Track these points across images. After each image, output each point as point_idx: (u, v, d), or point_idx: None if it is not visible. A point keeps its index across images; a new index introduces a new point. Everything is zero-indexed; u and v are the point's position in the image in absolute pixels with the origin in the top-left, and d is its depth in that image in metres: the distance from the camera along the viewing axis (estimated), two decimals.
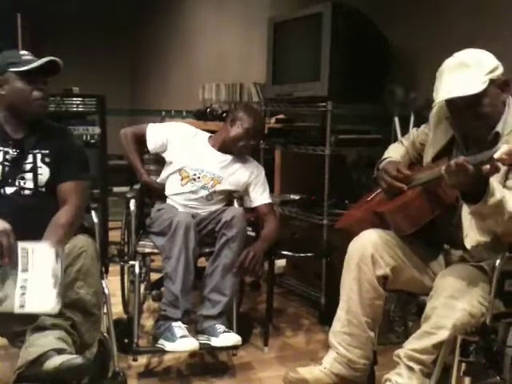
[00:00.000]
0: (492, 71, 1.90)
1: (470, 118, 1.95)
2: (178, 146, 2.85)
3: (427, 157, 2.20)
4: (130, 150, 2.90)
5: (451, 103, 1.98)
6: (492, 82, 1.90)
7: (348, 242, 2.24)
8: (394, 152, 2.38)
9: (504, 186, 1.86)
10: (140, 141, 2.89)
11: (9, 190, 2.10)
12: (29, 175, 2.13)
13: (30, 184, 2.13)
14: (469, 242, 1.94)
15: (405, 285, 2.17)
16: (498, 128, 1.95)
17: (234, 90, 4.60)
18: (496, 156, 1.63)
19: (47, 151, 2.17)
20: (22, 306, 1.81)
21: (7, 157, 2.12)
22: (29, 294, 1.82)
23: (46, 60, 2.10)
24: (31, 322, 1.86)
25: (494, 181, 1.78)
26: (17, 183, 2.11)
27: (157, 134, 2.88)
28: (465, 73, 1.90)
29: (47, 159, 2.16)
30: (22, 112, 2.14)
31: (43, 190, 2.15)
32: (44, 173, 2.15)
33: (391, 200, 2.17)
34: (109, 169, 4.28)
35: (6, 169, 2.11)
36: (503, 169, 1.85)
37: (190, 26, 5.78)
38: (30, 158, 2.15)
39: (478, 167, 1.69)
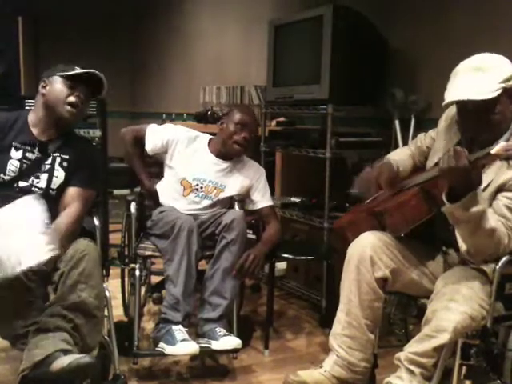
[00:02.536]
0: (507, 80, 1.88)
1: (477, 123, 1.94)
2: (178, 151, 2.82)
3: (431, 161, 2.20)
4: (133, 156, 2.88)
5: (460, 105, 1.98)
6: (505, 90, 1.88)
7: (341, 243, 2.25)
8: (395, 154, 2.39)
9: (490, 205, 1.87)
10: (140, 143, 2.87)
11: (22, 184, 2.16)
12: (44, 176, 2.19)
13: (42, 184, 2.18)
14: (464, 250, 1.95)
15: (404, 287, 2.18)
16: (501, 141, 1.93)
17: (234, 93, 4.61)
18: (493, 152, 1.64)
19: (67, 156, 2.24)
20: (17, 265, 1.78)
21: (27, 155, 2.18)
22: (19, 251, 1.81)
23: (89, 71, 2.22)
24: (47, 282, 1.88)
25: (481, 192, 1.78)
26: (30, 181, 2.17)
27: (156, 137, 2.84)
28: (479, 77, 1.88)
29: (65, 164, 2.23)
30: (53, 113, 2.21)
31: (54, 193, 2.20)
32: (59, 176, 2.21)
33: (388, 200, 2.18)
34: (109, 171, 4.27)
35: (24, 166, 2.17)
36: (493, 187, 1.87)
37: (191, 28, 5.78)
38: (49, 160, 2.22)
39: (475, 163, 1.69)
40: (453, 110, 2.13)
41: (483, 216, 1.77)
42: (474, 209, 1.74)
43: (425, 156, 2.32)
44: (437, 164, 2.11)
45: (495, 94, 1.86)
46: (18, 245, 1.82)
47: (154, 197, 2.86)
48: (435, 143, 2.24)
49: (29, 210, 1.89)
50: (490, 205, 1.88)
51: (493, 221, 1.81)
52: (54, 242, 1.85)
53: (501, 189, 1.89)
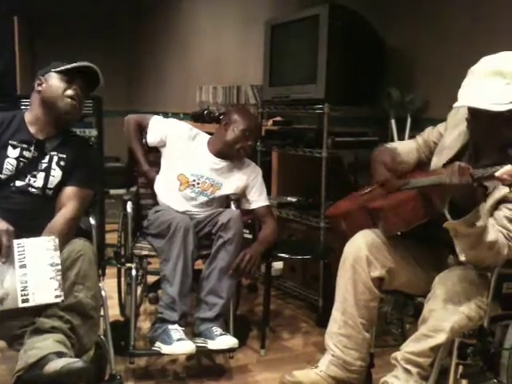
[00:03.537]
0: None
1: (487, 132, 1.88)
2: (176, 146, 2.83)
3: (439, 160, 2.12)
4: (134, 140, 2.90)
5: (472, 110, 1.89)
6: None
7: (336, 232, 2.25)
8: (398, 148, 2.34)
9: (491, 215, 1.85)
10: (142, 130, 2.91)
11: (18, 184, 2.14)
12: (41, 174, 2.17)
13: (39, 183, 2.16)
14: (463, 260, 1.93)
15: (401, 285, 2.17)
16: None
17: (230, 92, 4.61)
18: (497, 174, 1.60)
19: (64, 155, 2.21)
20: (25, 301, 1.86)
21: (24, 153, 2.16)
22: (30, 287, 1.87)
23: (85, 63, 2.21)
24: (37, 315, 1.89)
25: (484, 207, 1.77)
26: (27, 179, 2.15)
27: (157, 130, 2.86)
28: (498, 83, 1.78)
29: (62, 163, 2.20)
30: (52, 110, 2.19)
31: (50, 192, 2.18)
32: (56, 175, 2.18)
33: (385, 198, 2.16)
34: (106, 171, 4.27)
35: (21, 164, 2.15)
36: (496, 197, 1.85)
37: (188, 27, 5.78)
38: (46, 159, 2.19)
39: (478, 181, 1.67)
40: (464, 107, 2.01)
41: (485, 230, 1.76)
42: (477, 224, 1.72)
43: (431, 151, 2.24)
44: (444, 166, 2.04)
45: (510, 106, 1.76)
46: (31, 281, 1.88)
47: (150, 181, 2.88)
48: (443, 139, 2.16)
49: (43, 250, 1.91)
50: (491, 215, 1.86)
51: (493, 233, 1.79)
52: (62, 288, 1.90)
53: (503, 200, 1.86)
